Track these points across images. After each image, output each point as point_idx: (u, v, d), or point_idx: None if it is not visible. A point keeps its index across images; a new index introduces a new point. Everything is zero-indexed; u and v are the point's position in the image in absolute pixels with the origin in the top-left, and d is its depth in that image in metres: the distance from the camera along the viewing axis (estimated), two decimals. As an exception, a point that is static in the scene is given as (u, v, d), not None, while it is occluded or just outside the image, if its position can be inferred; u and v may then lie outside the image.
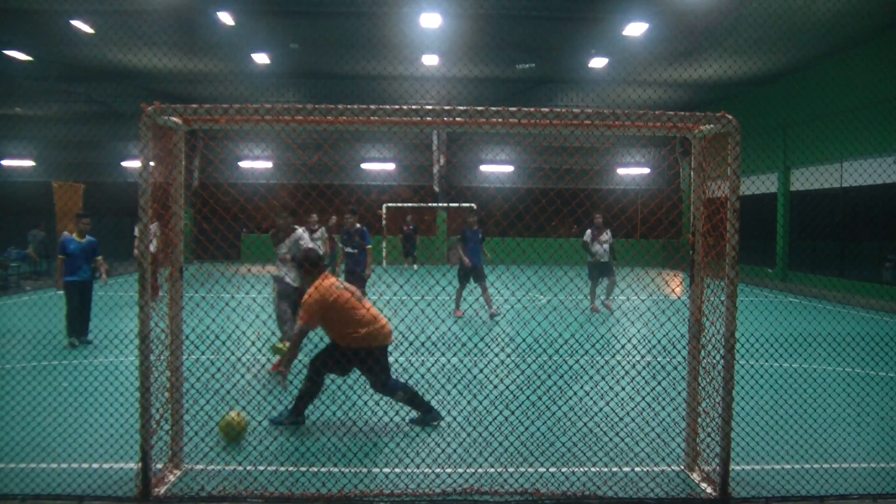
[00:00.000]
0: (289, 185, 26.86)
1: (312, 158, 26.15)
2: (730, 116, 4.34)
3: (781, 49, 16.52)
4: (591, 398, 6.66)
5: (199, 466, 4.78)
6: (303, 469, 4.73)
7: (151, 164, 4.32)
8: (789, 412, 6.19)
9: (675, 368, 8.06)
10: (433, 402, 6.39)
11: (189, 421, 5.07)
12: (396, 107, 4.29)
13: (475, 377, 7.53)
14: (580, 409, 6.32)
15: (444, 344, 9.19)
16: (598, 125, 4.40)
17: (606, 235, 12.76)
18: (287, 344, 6.52)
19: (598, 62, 18.08)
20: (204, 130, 4.79)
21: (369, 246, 10.40)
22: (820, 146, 16.86)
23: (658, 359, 8.73)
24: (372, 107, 4.33)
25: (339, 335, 5.59)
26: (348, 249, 10.42)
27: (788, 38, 15.53)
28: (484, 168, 29.35)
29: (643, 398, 6.80)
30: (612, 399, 6.50)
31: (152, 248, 14.77)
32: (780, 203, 20.36)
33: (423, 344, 8.82)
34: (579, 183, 28.03)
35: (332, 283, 5.66)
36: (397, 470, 4.81)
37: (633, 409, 6.22)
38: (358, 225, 10.45)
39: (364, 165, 29.20)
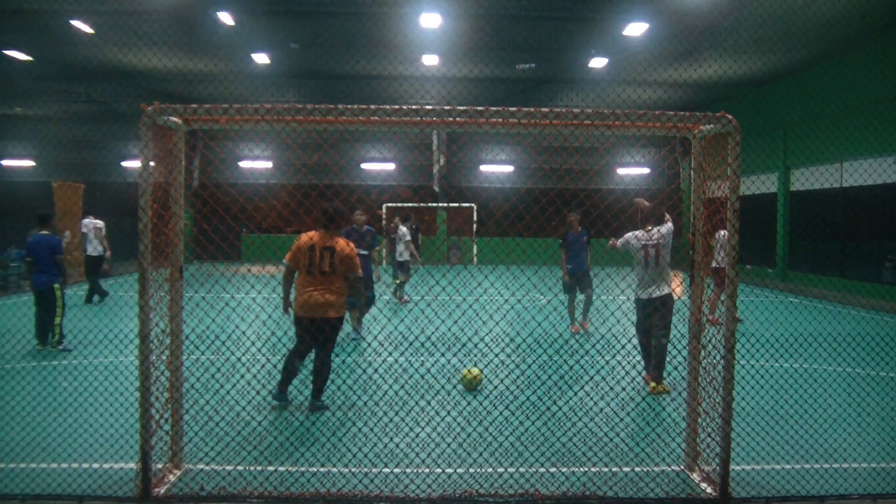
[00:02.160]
0: (289, 185, 26.85)
1: (312, 158, 26.15)
2: (730, 116, 4.33)
3: (781, 49, 16.52)
4: (591, 398, 6.66)
5: (199, 466, 4.78)
6: (303, 469, 4.73)
7: (151, 164, 4.31)
8: (789, 412, 6.19)
9: (676, 368, 8.06)
10: (433, 402, 6.40)
11: (189, 421, 5.07)
12: (396, 107, 4.29)
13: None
14: (580, 409, 6.32)
15: (443, 344, 9.19)
16: (598, 125, 4.40)
17: (720, 236, 11.19)
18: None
19: (598, 62, 18.08)
20: (204, 130, 4.79)
21: (375, 249, 10.00)
22: (820, 146, 16.86)
23: (658, 359, 8.71)
24: (372, 107, 4.33)
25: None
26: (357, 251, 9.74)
27: (788, 38, 15.53)
28: (484, 168, 29.35)
29: (643, 398, 6.80)
30: (612, 399, 6.50)
31: (91, 250, 14.36)
32: (780, 203, 20.36)
33: (422, 344, 8.82)
34: (579, 183, 28.02)
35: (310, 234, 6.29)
36: (397, 470, 4.81)
37: (633, 409, 6.22)
38: (367, 226, 9.81)
39: (364, 165, 29.21)
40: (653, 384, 6.88)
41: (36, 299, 8.90)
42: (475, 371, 6.99)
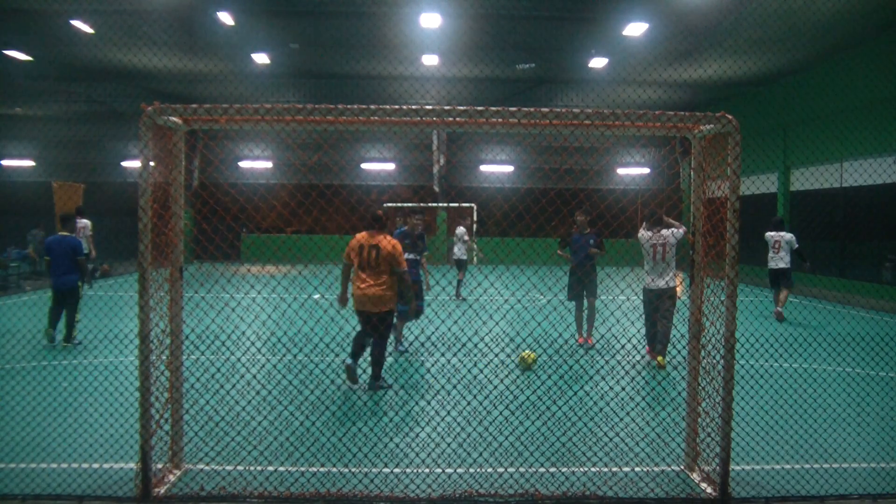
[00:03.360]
0: (289, 185, 26.87)
1: (312, 158, 26.14)
2: (730, 116, 4.34)
3: (781, 49, 16.52)
4: (591, 398, 6.66)
5: (199, 466, 4.78)
6: (303, 469, 4.74)
7: (151, 164, 4.32)
8: (789, 412, 6.19)
9: (675, 368, 8.06)
10: (433, 402, 6.41)
11: (189, 421, 5.07)
12: (396, 107, 4.29)
13: (475, 377, 7.54)
14: (580, 409, 6.32)
15: (443, 344, 9.19)
16: (598, 125, 4.40)
17: (787, 235, 12.12)
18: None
19: (598, 62, 18.08)
20: (204, 130, 4.79)
21: (427, 254, 9.21)
22: (820, 146, 16.86)
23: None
24: (372, 107, 4.33)
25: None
26: (410, 256, 8.57)
27: (788, 38, 15.52)
28: (484, 168, 29.35)
29: (643, 398, 6.80)
30: (612, 399, 6.51)
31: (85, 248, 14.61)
32: (780, 203, 20.36)
33: (422, 344, 8.82)
34: (579, 183, 28.02)
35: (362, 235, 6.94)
36: (397, 470, 4.81)
37: (633, 409, 6.22)
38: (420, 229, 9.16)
39: (364, 165, 29.20)
40: (659, 357, 8.00)
41: (55, 296, 9.13)
42: (526, 355, 7.98)
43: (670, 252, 7.98)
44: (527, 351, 8.06)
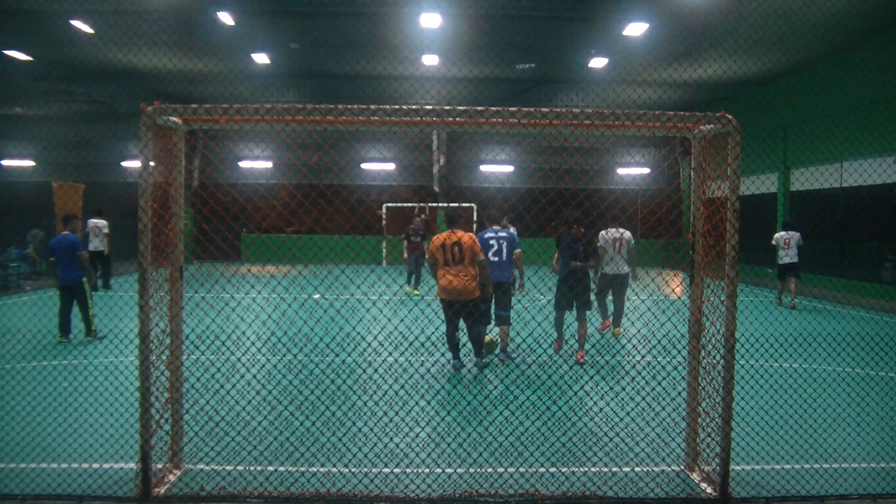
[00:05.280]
0: (289, 185, 26.85)
1: (312, 158, 26.15)
2: (730, 116, 4.33)
3: (781, 49, 16.51)
4: (591, 398, 6.66)
5: (199, 466, 4.78)
6: (303, 469, 4.73)
7: (151, 164, 4.31)
8: (789, 412, 6.19)
9: (675, 368, 8.06)
10: (433, 402, 6.41)
11: (189, 421, 5.07)
12: (396, 107, 4.29)
13: (475, 377, 7.53)
14: (580, 409, 6.32)
15: (443, 344, 9.18)
16: (598, 125, 4.40)
17: (796, 235, 14.11)
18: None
19: (598, 62, 18.07)
20: (204, 130, 4.79)
21: (518, 251, 8.67)
22: (820, 146, 16.85)
23: (658, 359, 8.72)
24: (372, 107, 4.33)
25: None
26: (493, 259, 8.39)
27: (788, 38, 15.51)
28: (484, 168, 29.34)
29: (643, 398, 6.80)
30: (612, 399, 6.51)
31: (92, 247, 15.48)
32: (780, 203, 20.35)
33: (422, 344, 8.81)
34: (579, 183, 28.01)
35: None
36: (397, 470, 4.81)
37: (633, 409, 6.22)
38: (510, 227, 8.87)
39: (364, 165, 29.20)
40: (616, 329, 10.01)
41: (61, 295, 9.40)
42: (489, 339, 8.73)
43: (625, 247, 9.83)
44: (488, 337, 8.75)
